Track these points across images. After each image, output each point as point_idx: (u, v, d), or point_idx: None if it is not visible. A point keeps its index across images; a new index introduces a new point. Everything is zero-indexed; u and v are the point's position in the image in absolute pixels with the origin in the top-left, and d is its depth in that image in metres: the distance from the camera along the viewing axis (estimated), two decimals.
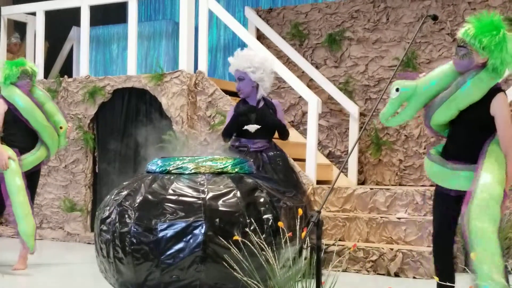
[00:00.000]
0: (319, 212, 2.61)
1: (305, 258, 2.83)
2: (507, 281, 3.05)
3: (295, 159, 6.38)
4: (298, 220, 3.03)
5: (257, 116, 4.97)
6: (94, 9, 7.54)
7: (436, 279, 3.27)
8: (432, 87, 3.45)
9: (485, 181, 3.21)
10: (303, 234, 2.70)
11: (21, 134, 5.23)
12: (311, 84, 7.26)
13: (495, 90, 3.33)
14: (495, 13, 3.35)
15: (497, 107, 3.30)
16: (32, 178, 5.33)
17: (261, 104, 5.06)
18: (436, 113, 3.44)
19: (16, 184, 5.05)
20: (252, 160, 4.67)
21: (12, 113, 5.19)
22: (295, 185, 4.90)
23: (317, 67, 7.41)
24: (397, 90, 3.46)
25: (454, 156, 3.39)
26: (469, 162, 3.33)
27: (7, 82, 5.24)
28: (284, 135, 5.18)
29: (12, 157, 5.08)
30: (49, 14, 7.78)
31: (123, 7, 8.47)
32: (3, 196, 5.09)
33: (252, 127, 4.92)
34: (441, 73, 3.47)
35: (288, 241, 2.95)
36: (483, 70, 3.28)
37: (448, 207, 3.48)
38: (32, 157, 5.24)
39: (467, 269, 3.14)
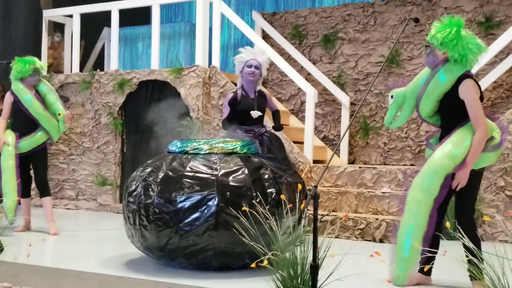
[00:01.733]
0: (315, 187, 2.59)
1: (304, 226, 2.80)
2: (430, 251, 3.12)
3: (295, 142, 6.36)
4: (298, 194, 3.00)
5: (257, 105, 4.89)
6: (122, 12, 7.48)
7: (416, 244, 3.25)
8: (415, 88, 3.53)
9: (435, 155, 3.28)
10: (302, 205, 2.68)
11: (22, 121, 5.27)
12: (308, 77, 7.20)
13: (463, 77, 3.34)
14: (457, 16, 3.41)
15: (463, 91, 3.31)
16: (36, 156, 5.33)
17: (256, 94, 4.96)
18: (420, 107, 3.47)
19: (8, 165, 5.14)
20: (258, 142, 4.65)
21: (17, 104, 5.25)
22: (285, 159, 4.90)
23: (314, 63, 7.35)
24: (391, 97, 3.60)
25: (440, 140, 3.38)
26: None
27: (18, 77, 5.27)
28: (279, 118, 5.13)
29: (7, 142, 5.17)
30: (84, 17, 7.73)
31: (147, 11, 8.42)
32: None
33: (255, 113, 4.83)
34: (420, 76, 3.56)
35: (289, 212, 2.93)
36: (445, 65, 3.35)
37: None
38: (30, 140, 5.25)
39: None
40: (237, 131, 4.83)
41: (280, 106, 7.46)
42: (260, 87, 5.04)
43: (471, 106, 3.28)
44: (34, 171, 5.42)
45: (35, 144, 5.29)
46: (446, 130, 3.41)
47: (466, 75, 3.34)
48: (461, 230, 2.82)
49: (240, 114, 4.86)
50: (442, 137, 3.44)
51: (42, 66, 5.44)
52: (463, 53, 3.30)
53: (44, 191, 5.35)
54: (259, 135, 4.84)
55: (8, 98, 5.31)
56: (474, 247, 2.76)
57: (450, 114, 3.38)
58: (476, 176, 3.35)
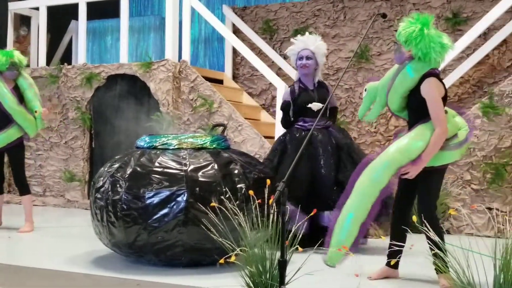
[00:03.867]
0: (284, 182, 2.59)
1: (272, 222, 2.81)
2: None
3: (266, 137, 6.37)
4: (267, 189, 3.01)
5: (318, 96, 4.63)
6: (90, 5, 7.38)
7: (383, 238, 3.29)
8: (386, 83, 3.57)
9: (391, 148, 3.35)
10: (271, 201, 2.68)
11: (1, 115, 5.12)
12: (279, 72, 7.21)
13: (426, 75, 3.37)
14: (425, 13, 3.48)
15: (424, 90, 3.35)
16: (11, 153, 5.23)
17: (315, 86, 4.69)
18: (388, 102, 3.52)
19: None
20: (320, 136, 4.51)
21: None
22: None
23: (284, 58, 7.35)
24: (365, 90, 3.69)
25: None
26: None
27: None
28: (335, 117, 4.85)
29: None
30: (50, 9, 7.60)
31: (116, 3, 8.32)
32: None
33: (314, 106, 4.59)
34: (391, 71, 3.60)
35: (257, 207, 2.93)
36: (410, 62, 3.39)
37: (409, 182, 3.44)
38: (2, 135, 5.12)
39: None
40: (295, 126, 4.65)
41: (250, 101, 7.47)
42: (319, 77, 4.73)
43: (431, 104, 3.32)
44: (11, 169, 5.31)
45: (8, 140, 5.14)
46: (410, 126, 3.45)
47: (430, 73, 3.36)
48: (426, 223, 2.86)
49: (300, 108, 4.61)
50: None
51: (21, 60, 5.26)
52: (426, 52, 3.32)
53: (22, 190, 5.25)
54: (324, 128, 4.62)
55: None
56: (439, 240, 2.80)
57: (415, 110, 3.42)
58: (437, 172, 3.38)
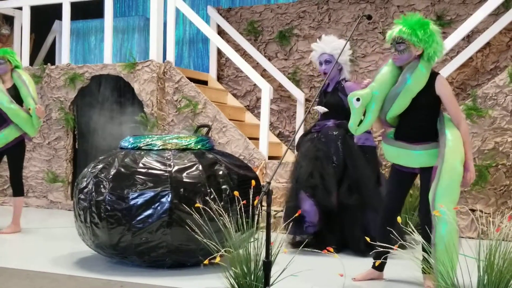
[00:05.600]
0: (269, 183, 2.58)
1: (257, 223, 2.80)
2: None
3: (250, 138, 6.36)
4: (252, 190, 2.99)
5: (327, 99, 4.60)
6: (74, 5, 7.33)
7: (368, 239, 3.27)
8: (385, 88, 3.39)
9: (450, 161, 3.17)
10: (256, 201, 2.67)
11: None
12: (264, 73, 7.21)
13: (434, 74, 3.36)
14: (418, 13, 3.41)
15: (441, 88, 3.32)
16: (9, 153, 5.17)
17: (331, 87, 4.63)
18: (393, 107, 3.36)
19: None
20: (324, 137, 4.51)
21: None
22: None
23: (269, 59, 7.36)
24: (358, 99, 3.33)
25: (408, 138, 3.35)
26: (421, 141, 3.31)
27: None
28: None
29: None
30: (34, 9, 7.53)
31: (100, 4, 8.27)
32: None
33: (319, 109, 4.59)
34: (386, 75, 3.42)
35: (242, 208, 2.91)
36: (421, 61, 3.31)
37: (403, 182, 3.45)
38: None
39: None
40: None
41: (235, 102, 7.46)
42: (348, 76, 4.61)
43: (450, 101, 3.32)
44: (9, 169, 5.24)
45: (5, 140, 5.08)
46: (409, 127, 3.37)
47: (436, 72, 3.39)
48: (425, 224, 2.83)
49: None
50: (402, 134, 3.39)
51: (9, 56, 5.17)
52: (440, 50, 3.32)
53: (16, 190, 5.19)
54: (324, 128, 4.58)
55: None
56: (424, 242, 2.81)
57: (420, 110, 3.34)
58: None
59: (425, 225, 3.16)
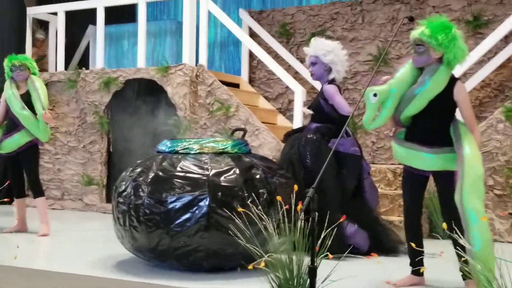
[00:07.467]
0: (313, 188, 2.54)
1: (300, 228, 2.76)
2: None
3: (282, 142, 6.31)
4: (294, 194, 2.95)
5: (313, 102, 4.64)
6: (108, 10, 7.39)
7: (413, 245, 3.20)
8: (402, 87, 3.38)
9: (472, 161, 3.13)
10: (299, 207, 2.63)
11: (10, 120, 5.20)
12: (296, 76, 7.16)
13: (453, 79, 3.33)
14: (443, 15, 3.35)
15: (460, 94, 3.29)
16: (23, 156, 5.22)
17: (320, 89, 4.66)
18: (409, 107, 3.35)
19: None
20: (304, 140, 4.48)
21: (6, 103, 5.23)
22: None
23: (301, 62, 7.31)
24: (375, 95, 3.31)
25: (419, 140, 3.33)
26: (433, 145, 3.29)
27: (7, 76, 5.27)
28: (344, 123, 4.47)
29: None
30: (69, 14, 7.62)
31: (133, 8, 8.34)
32: None
33: (306, 111, 4.60)
34: (406, 74, 3.41)
35: (285, 213, 2.87)
36: (441, 65, 3.28)
37: (415, 185, 3.44)
38: (10, 140, 5.16)
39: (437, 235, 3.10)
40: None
41: (267, 105, 7.43)
42: (338, 77, 4.57)
43: (467, 108, 3.29)
44: (24, 172, 5.32)
45: (17, 144, 5.16)
46: (422, 130, 3.34)
47: (456, 78, 3.36)
48: (457, 230, 2.79)
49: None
50: (413, 136, 3.36)
51: (22, 61, 5.23)
52: (461, 55, 3.27)
53: (35, 192, 5.26)
54: (305, 131, 4.57)
55: (2, 97, 5.27)
56: (468, 246, 2.74)
57: (435, 114, 3.31)
58: (453, 175, 3.22)
59: (452, 230, 3.10)
